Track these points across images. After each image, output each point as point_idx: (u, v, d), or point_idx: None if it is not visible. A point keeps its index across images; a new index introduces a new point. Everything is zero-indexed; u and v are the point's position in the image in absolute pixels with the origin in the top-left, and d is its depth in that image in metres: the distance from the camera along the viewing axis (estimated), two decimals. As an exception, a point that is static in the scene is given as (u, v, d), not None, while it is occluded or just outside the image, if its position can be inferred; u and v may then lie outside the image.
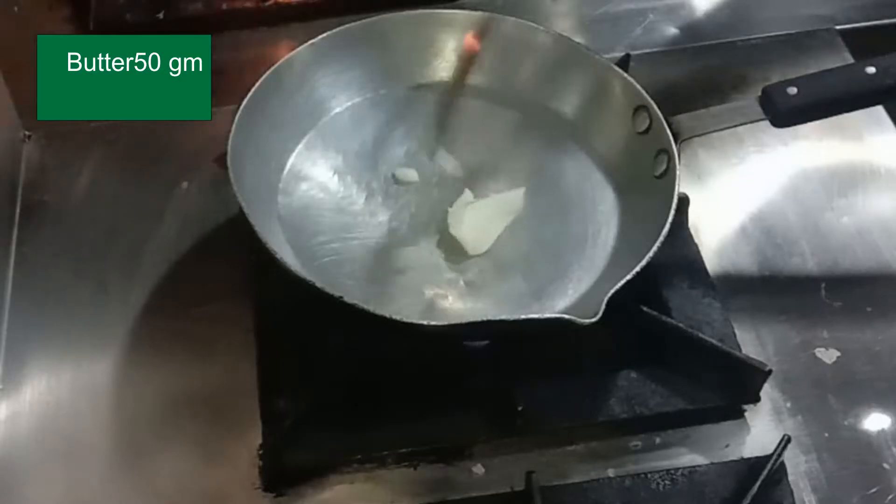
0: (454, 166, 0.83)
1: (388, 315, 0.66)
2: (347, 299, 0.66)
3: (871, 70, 0.77)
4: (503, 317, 0.67)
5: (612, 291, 0.67)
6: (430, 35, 0.86)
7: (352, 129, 0.84)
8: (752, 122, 0.78)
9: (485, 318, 0.66)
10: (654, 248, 0.70)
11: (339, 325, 0.71)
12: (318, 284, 0.67)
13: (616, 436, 0.72)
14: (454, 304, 0.75)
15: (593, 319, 0.65)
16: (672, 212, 0.72)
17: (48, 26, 0.98)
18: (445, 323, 0.66)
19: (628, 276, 0.68)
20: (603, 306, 0.65)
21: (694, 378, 0.73)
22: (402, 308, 0.74)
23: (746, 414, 0.73)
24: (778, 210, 0.85)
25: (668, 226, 0.71)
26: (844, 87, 0.78)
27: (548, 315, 0.68)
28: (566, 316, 0.65)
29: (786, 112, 0.77)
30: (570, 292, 0.75)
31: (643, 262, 0.69)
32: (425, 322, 0.66)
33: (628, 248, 0.75)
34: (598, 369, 0.73)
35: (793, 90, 0.77)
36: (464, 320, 0.66)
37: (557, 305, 0.74)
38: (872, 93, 0.78)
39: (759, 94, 0.78)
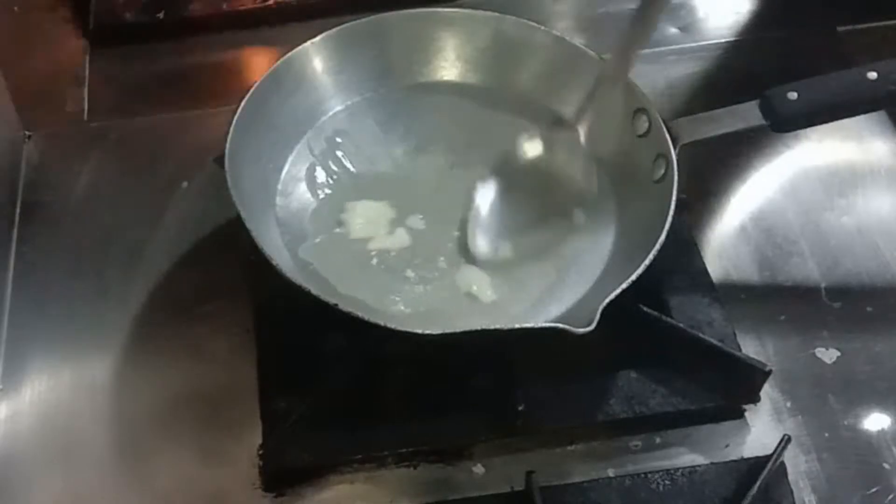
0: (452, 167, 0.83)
1: (382, 323, 0.66)
2: (342, 307, 0.66)
3: (872, 75, 0.76)
4: (498, 326, 0.67)
5: (607, 300, 0.66)
6: (430, 34, 0.86)
7: (351, 129, 0.84)
8: (752, 126, 0.78)
9: (479, 328, 0.66)
10: (650, 257, 0.69)
11: (339, 326, 0.71)
12: (314, 291, 0.67)
13: (616, 436, 0.72)
14: (451, 308, 0.75)
15: (588, 329, 0.65)
16: (669, 219, 0.72)
17: (48, 26, 0.98)
18: (440, 332, 0.66)
19: (623, 285, 0.68)
20: (598, 315, 0.65)
21: (694, 378, 0.73)
22: (399, 312, 0.74)
23: (746, 414, 0.73)
24: (778, 210, 0.85)
25: (664, 233, 0.71)
26: (845, 92, 0.77)
27: (542, 324, 0.68)
28: (561, 325, 0.65)
29: (786, 117, 0.77)
30: (567, 298, 0.74)
31: (639, 271, 0.68)
32: (420, 331, 0.66)
33: (625, 254, 0.75)
34: (598, 369, 0.73)
35: (793, 95, 0.76)
36: (458, 328, 0.66)
37: (553, 311, 0.73)
38: (873, 98, 0.78)
39: (759, 97, 0.77)
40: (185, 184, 0.86)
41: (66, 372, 0.76)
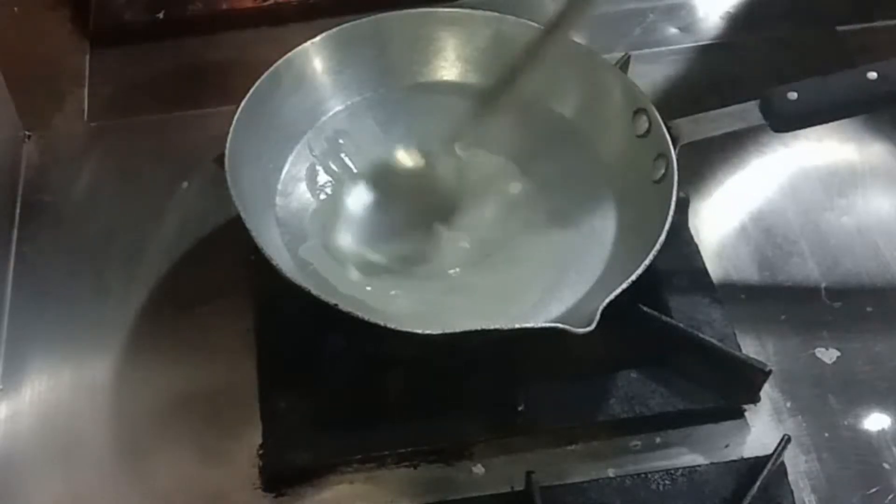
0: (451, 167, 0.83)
1: (382, 323, 0.66)
2: (342, 307, 0.66)
3: (872, 75, 0.76)
4: (498, 325, 0.66)
5: (607, 301, 0.66)
6: (430, 34, 0.86)
7: (351, 129, 0.84)
8: (751, 126, 0.78)
9: (479, 328, 0.66)
10: (651, 257, 0.69)
11: (339, 326, 0.71)
12: (314, 291, 0.67)
13: (616, 436, 0.72)
14: (450, 308, 0.75)
15: (588, 329, 0.64)
16: (669, 219, 0.72)
17: (48, 26, 0.98)
18: (440, 332, 0.66)
19: (623, 285, 0.68)
20: (598, 316, 0.65)
21: (694, 378, 0.73)
22: (399, 312, 0.74)
23: (746, 414, 0.73)
24: (778, 210, 0.85)
25: (664, 234, 0.71)
26: (845, 92, 0.77)
27: (542, 324, 0.67)
28: (561, 325, 0.65)
29: (786, 117, 0.77)
30: (567, 297, 0.74)
31: (639, 271, 0.68)
32: (420, 331, 0.66)
33: (626, 254, 0.75)
34: (598, 369, 0.73)
35: (793, 95, 0.76)
36: (458, 328, 0.66)
37: (553, 311, 0.73)
38: (873, 99, 0.78)
39: (759, 97, 0.77)
40: (185, 184, 0.86)
41: (66, 372, 0.76)
